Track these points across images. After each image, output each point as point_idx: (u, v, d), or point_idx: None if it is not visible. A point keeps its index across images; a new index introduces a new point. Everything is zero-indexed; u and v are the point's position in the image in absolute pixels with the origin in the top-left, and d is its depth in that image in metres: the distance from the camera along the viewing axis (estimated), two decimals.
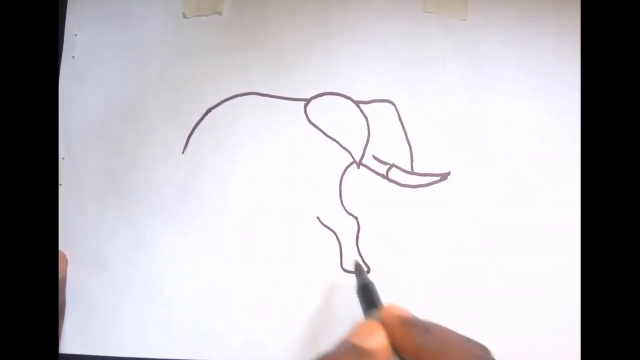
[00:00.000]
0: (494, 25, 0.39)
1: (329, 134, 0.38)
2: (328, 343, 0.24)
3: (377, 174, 0.38)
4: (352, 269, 0.36)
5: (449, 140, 0.38)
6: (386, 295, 0.36)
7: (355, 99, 0.38)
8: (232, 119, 0.39)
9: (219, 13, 0.40)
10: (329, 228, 0.37)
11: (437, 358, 0.22)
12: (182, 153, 0.38)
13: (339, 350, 0.23)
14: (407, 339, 0.23)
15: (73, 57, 0.40)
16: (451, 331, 0.24)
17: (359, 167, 0.38)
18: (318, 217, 0.37)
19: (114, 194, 0.38)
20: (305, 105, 0.39)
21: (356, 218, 0.37)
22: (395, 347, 0.24)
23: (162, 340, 0.36)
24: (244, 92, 0.39)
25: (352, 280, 0.34)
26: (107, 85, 0.40)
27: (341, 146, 0.38)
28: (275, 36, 0.39)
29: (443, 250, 0.37)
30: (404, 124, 0.38)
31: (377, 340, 0.23)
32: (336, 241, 0.37)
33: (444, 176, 0.37)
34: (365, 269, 0.36)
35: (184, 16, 0.40)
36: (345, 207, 0.37)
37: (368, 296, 0.30)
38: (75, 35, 0.40)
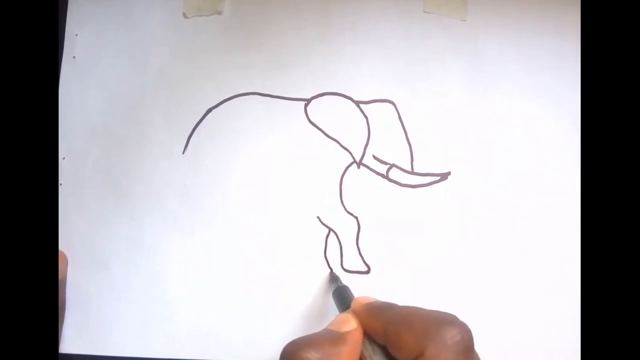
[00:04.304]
0: (494, 25, 0.39)
1: (329, 133, 0.38)
2: None
3: (378, 173, 0.38)
4: (329, 278, 0.36)
5: (449, 140, 0.38)
6: (386, 295, 0.36)
7: (355, 98, 0.38)
8: (232, 119, 0.39)
9: (219, 13, 0.40)
10: (329, 228, 0.37)
11: (402, 328, 0.23)
12: (183, 153, 0.38)
13: (317, 335, 0.25)
14: (374, 320, 0.25)
15: (74, 57, 0.40)
16: (415, 306, 0.25)
17: (359, 167, 0.38)
18: (318, 217, 0.37)
19: (114, 194, 0.38)
20: (306, 105, 0.39)
21: (356, 218, 0.37)
22: (367, 333, 0.25)
23: (162, 340, 0.36)
24: (245, 92, 0.39)
25: (350, 280, 0.36)
26: (107, 85, 0.40)
27: (341, 146, 0.38)
28: (275, 36, 0.39)
29: (443, 251, 0.37)
30: (404, 123, 0.38)
31: (350, 326, 0.25)
32: (336, 241, 0.37)
33: (444, 176, 0.37)
34: (340, 277, 0.36)
35: (185, 16, 0.40)
36: (346, 207, 0.37)
37: (342, 297, 0.32)
38: (76, 35, 0.40)
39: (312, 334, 0.25)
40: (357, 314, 0.26)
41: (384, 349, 0.24)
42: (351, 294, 0.32)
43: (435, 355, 0.21)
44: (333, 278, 0.36)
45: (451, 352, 0.21)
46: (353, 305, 0.27)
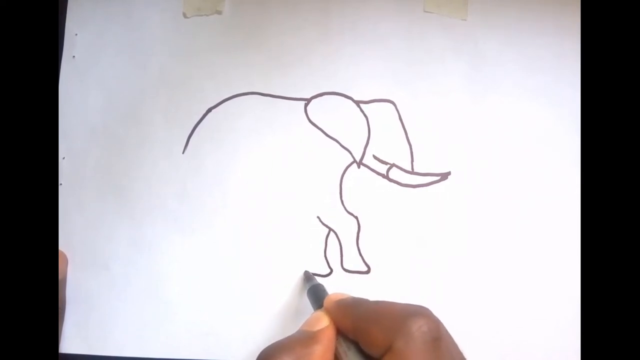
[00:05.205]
0: (494, 25, 0.39)
1: (329, 133, 0.38)
2: None
3: (378, 173, 0.38)
4: (304, 277, 0.36)
5: (449, 140, 0.38)
6: (386, 295, 0.36)
7: (355, 98, 0.38)
8: (232, 119, 0.39)
9: (219, 13, 0.40)
10: (329, 228, 0.37)
11: (371, 324, 0.23)
12: (183, 153, 0.38)
13: (289, 338, 0.25)
14: (345, 316, 0.25)
15: (73, 56, 0.40)
16: (385, 301, 0.24)
17: (359, 167, 0.38)
18: (318, 217, 0.37)
19: (114, 194, 0.38)
20: (306, 105, 0.39)
21: (356, 218, 0.37)
22: (340, 330, 0.25)
23: (162, 340, 0.36)
24: (245, 91, 0.39)
25: (350, 280, 0.36)
26: (107, 85, 0.40)
27: (341, 146, 0.38)
28: (275, 36, 0.39)
29: (443, 250, 0.37)
30: (404, 123, 0.38)
31: (321, 324, 0.25)
32: (336, 241, 0.37)
33: (444, 176, 0.37)
34: (315, 275, 0.36)
35: (185, 16, 0.40)
36: (346, 206, 0.37)
37: (316, 296, 0.32)
38: (76, 34, 0.40)
39: (286, 337, 0.25)
40: (329, 312, 0.26)
41: (359, 345, 0.24)
42: (325, 291, 0.32)
43: (402, 347, 0.21)
44: (307, 277, 0.36)
45: (418, 343, 0.21)
46: (325, 302, 0.27)
